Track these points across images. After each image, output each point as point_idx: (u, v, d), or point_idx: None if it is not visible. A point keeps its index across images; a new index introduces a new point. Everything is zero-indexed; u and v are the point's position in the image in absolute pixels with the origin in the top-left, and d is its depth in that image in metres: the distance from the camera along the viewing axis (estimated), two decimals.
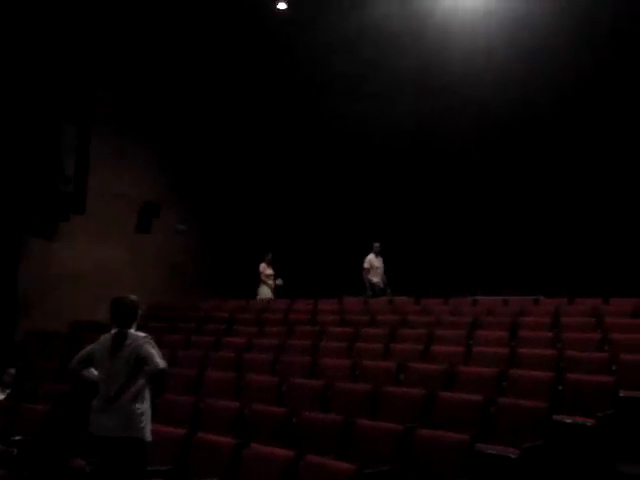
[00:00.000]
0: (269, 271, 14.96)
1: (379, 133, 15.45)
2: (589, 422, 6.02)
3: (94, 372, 5.36)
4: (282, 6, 15.40)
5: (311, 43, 15.17)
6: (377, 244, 13.80)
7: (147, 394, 5.23)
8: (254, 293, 14.89)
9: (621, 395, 6.52)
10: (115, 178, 14.89)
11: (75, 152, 14.01)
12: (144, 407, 5.17)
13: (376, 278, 13.68)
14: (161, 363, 5.12)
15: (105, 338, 5.36)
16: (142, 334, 5.29)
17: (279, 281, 15.00)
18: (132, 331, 5.29)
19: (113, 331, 5.33)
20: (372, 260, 13.70)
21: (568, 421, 6.12)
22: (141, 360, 5.13)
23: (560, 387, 6.81)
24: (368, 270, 13.64)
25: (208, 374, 8.57)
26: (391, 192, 15.75)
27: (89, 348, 5.44)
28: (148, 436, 5.17)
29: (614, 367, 7.29)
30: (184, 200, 16.59)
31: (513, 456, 5.43)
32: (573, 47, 12.94)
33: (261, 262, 14.95)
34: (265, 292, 14.92)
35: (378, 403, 6.94)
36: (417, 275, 14.39)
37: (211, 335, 10.91)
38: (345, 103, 15.50)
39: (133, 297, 5.47)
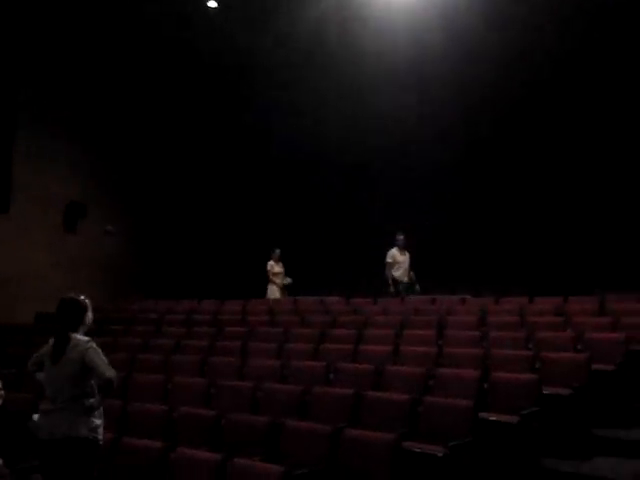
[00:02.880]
0: (277, 269, 14.03)
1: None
2: (514, 419, 6.13)
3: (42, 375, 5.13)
4: (212, 4, 15.27)
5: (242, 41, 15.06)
6: (401, 237, 12.65)
7: (97, 398, 5.01)
8: (181, 293, 14.58)
9: (544, 392, 6.65)
10: (40, 176, 14.54)
11: None
12: (95, 411, 4.97)
13: (399, 273, 12.63)
14: (107, 372, 4.89)
15: (50, 342, 5.12)
16: (85, 338, 5.04)
17: (287, 280, 14.04)
18: (76, 335, 5.04)
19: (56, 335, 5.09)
20: (395, 254, 12.61)
21: (493, 419, 6.21)
22: (86, 366, 4.91)
23: (486, 385, 6.91)
24: (392, 265, 12.58)
25: (135, 377, 8.41)
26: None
27: (42, 350, 5.19)
28: (100, 438, 4.98)
29: (537, 365, 7.44)
30: (114, 199, 16.30)
31: (440, 454, 5.48)
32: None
33: (268, 260, 14.03)
34: (273, 292, 13.98)
35: (307, 404, 6.92)
36: (346, 274, 14.41)
37: (139, 337, 10.74)
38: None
39: (82, 297, 5.20)
